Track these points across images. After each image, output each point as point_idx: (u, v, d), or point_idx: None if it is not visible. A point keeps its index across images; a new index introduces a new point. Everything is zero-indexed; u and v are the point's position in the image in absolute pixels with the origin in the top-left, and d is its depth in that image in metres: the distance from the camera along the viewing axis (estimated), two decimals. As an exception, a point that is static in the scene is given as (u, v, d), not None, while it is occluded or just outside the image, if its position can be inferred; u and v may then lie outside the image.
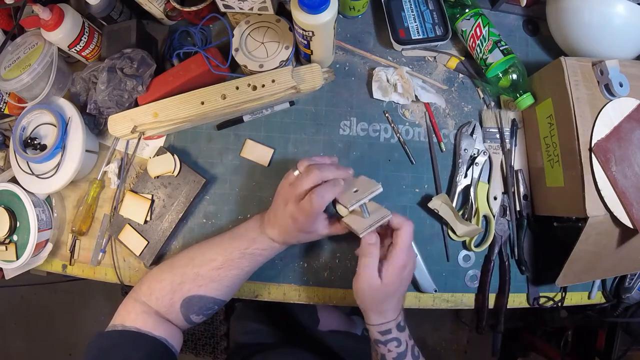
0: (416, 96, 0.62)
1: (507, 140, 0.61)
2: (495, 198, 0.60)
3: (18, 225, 0.60)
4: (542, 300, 0.60)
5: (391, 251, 0.46)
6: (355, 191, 0.46)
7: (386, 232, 0.49)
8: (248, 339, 0.79)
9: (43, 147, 0.59)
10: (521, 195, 0.60)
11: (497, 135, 0.62)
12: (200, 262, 0.49)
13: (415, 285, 0.60)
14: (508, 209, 0.60)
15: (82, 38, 0.59)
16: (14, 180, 0.62)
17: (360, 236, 0.45)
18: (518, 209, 0.60)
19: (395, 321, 0.47)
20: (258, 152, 0.62)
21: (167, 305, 0.48)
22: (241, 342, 0.80)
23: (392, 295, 0.47)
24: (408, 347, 0.48)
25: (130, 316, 0.48)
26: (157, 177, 0.60)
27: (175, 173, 0.60)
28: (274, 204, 0.50)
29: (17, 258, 0.60)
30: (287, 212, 0.47)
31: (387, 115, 0.63)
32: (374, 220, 0.45)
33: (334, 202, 0.47)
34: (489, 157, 0.61)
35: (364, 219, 0.46)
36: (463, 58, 0.64)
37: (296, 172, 0.48)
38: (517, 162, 0.61)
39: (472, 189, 0.60)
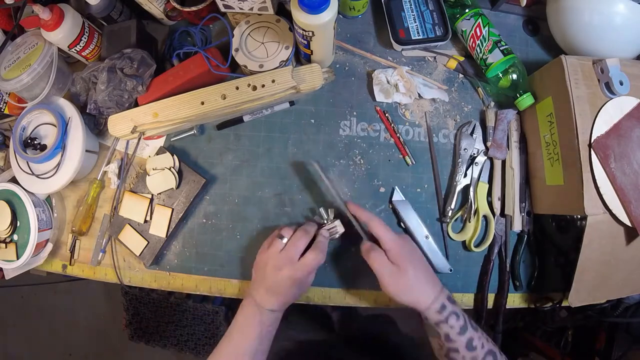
0: (419, 94, 0.62)
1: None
2: (498, 199, 0.60)
3: (18, 224, 0.60)
4: (541, 301, 0.60)
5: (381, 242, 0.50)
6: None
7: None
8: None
9: (43, 147, 0.59)
10: (525, 210, 0.59)
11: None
12: None
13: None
14: (504, 227, 0.60)
15: (82, 38, 0.59)
16: (14, 180, 0.62)
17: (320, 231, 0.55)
18: (520, 228, 0.59)
19: (444, 294, 0.48)
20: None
21: None
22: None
23: (418, 271, 0.49)
24: (466, 319, 0.48)
25: None
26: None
27: (176, 188, 0.60)
28: (263, 279, 0.51)
29: (17, 258, 0.60)
30: (284, 276, 0.49)
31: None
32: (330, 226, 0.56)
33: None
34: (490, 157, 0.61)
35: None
36: (463, 58, 0.64)
37: (284, 240, 0.52)
38: (516, 161, 0.61)
39: (471, 189, 0.60)
